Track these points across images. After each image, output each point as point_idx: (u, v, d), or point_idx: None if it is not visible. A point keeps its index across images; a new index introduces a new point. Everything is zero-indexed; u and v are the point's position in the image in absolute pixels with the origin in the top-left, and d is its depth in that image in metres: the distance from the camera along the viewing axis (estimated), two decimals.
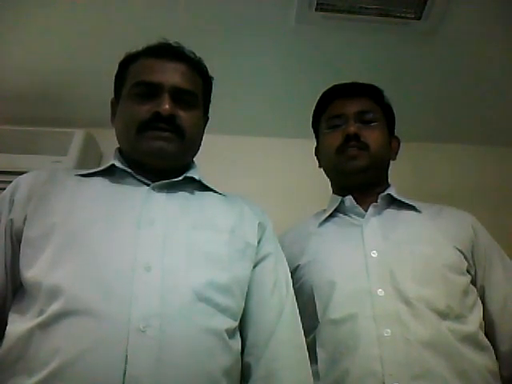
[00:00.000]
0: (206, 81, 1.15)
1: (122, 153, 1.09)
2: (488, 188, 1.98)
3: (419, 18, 1.58)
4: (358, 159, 1.22)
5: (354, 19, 1.60)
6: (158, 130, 1.01)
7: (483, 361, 1.02)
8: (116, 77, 1.14)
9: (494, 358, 1.06)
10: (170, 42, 1.10)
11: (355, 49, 1.70)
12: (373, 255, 1.11)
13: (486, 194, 1.96)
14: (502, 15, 1.59)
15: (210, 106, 1.20)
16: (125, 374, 0.75)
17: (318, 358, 1.05)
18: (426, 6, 1.54)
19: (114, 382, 0.75)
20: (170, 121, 1.01)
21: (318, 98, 1.37)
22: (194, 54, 1.12)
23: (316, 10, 1.55)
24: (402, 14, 1.58)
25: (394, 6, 1.56)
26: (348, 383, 0.99)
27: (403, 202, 1.23)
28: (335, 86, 1.34)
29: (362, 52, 1.71)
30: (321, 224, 1.25)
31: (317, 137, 1.39)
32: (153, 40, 1.11)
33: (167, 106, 1.01)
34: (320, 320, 1.08)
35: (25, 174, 1.03)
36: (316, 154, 1.40)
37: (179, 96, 1.04)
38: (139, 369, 0.76)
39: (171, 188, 1.02)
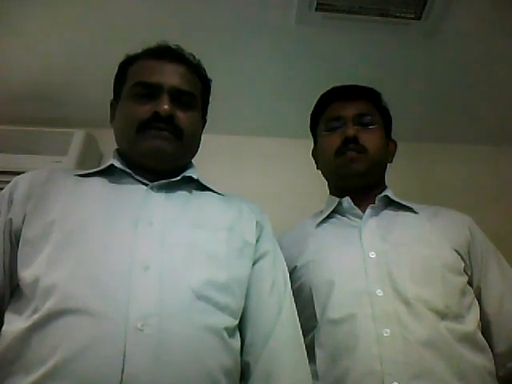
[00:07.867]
0: (204, 83, 1.16)
1: (120, 154, 1.09)
2: (488, 188, 1.98)
3: (419, 18, 1.58)
4: (356, 162, 1.22)
5: (353, 19, 1.60)
6: (157, 129, 1.02)
7: (481, 360, 1.02)
8: (115, 78, 1.14)
9: (492, 357, 1.06)
10: (170, 43, 1.11)
11: (355, 49, 1.70)
12: (371, 256, 1.11)
13: (486, 194, 1.95)
14: (501, 15, 1.59)
15: (210, 105, 1.20)
16: (123, 371, 0.75)
17: (317, 357, 1.05)
18: (426, 6, 1.54)
19: (112, 380, 0.75)
20: (169, 121, 1.02)
21: (317, 98, 1.37)
22: (193, 56, 1.13)
23: (316, 10, 1.55)
24: (402, 14, 1.58)
25: (393, 5, 1.56)
26: (347, 383, 0.99)
27: (400, 204, 1.24)
28: (334, 88, 1.34)
29: (362, 52, 1.71)
30: (318, 225, 1.25)
31: (314, 139, 1.39)
32: (153, 40, 1.11)
33: (166, 106, 1.01)
34: (319, 320, 1.08)
35: (24, 174, 1.03)
36: (313, 156, 1.39)
37: (178, 97, 1.05)
38: (137, 367, 0.76)
39: (170, 188, 1.02)
